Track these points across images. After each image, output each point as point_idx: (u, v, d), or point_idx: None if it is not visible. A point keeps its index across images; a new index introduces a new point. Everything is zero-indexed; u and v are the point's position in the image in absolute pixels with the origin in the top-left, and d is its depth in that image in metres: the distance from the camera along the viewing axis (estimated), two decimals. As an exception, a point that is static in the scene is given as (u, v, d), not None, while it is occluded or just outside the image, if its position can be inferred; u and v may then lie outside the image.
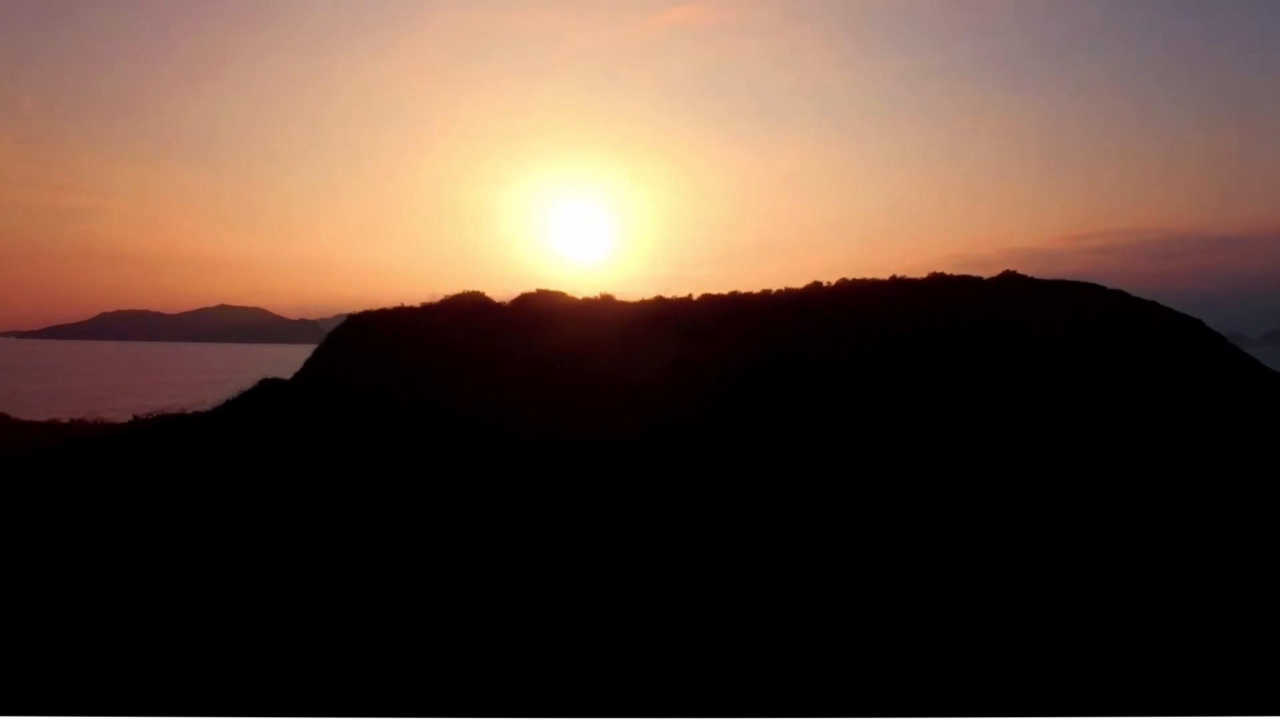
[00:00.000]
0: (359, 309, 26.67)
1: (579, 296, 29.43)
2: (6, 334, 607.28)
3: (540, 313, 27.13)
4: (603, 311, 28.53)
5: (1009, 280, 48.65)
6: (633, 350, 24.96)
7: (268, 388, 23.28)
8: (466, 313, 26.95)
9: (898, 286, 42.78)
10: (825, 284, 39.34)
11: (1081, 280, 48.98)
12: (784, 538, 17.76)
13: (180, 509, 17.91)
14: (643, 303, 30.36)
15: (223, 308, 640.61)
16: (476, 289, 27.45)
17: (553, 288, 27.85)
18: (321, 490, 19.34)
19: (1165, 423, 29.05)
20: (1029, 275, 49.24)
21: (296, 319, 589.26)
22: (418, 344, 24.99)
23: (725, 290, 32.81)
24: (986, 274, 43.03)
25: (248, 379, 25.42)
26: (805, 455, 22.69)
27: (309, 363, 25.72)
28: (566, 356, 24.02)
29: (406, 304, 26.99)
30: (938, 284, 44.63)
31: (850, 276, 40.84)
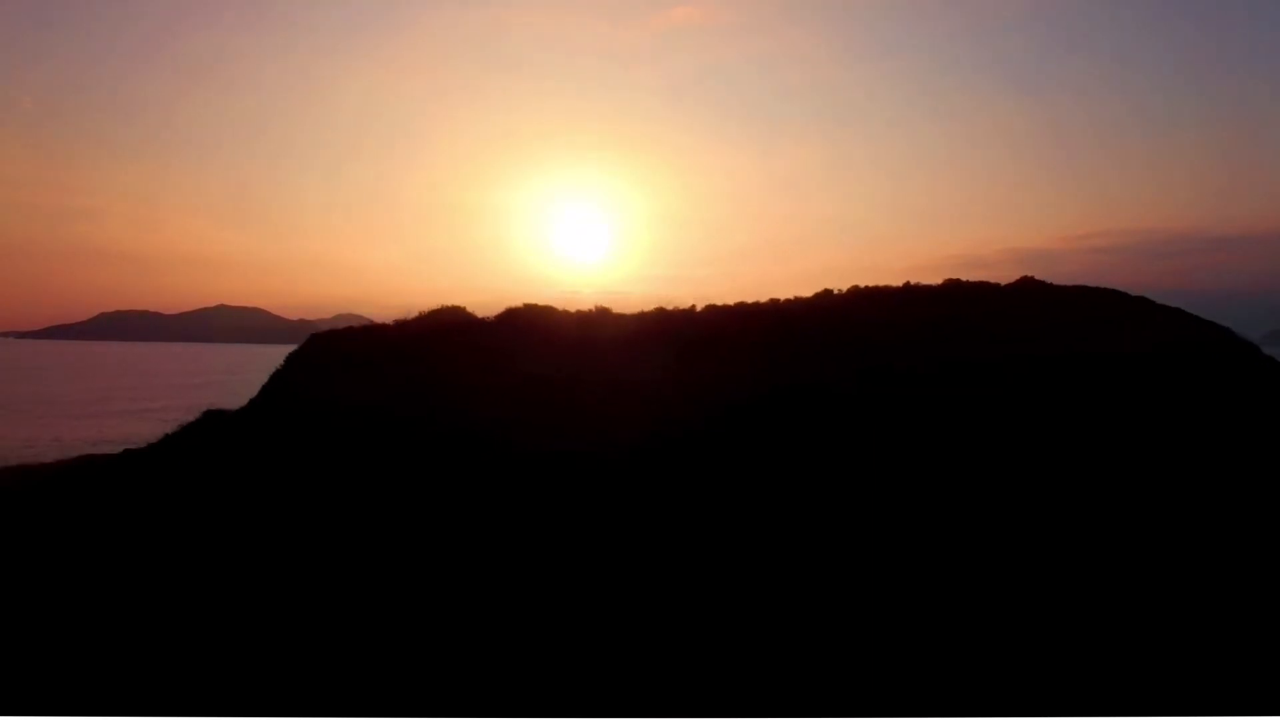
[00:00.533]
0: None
1: (572, 310, 27.11)
2: (5, 334, 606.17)
3: (527, 329, 24.77)
4: (597, 326, 26.17)
5: (1026, 287, 46.60)
6: (630, 371, 22.71)
7: (211, 420, 20.99)
8: (444, 330, 24.62)
9: (911, 294, 40.68)
10: (836, 291, 37.20)
11: (1094, 286, 47.19)
12: (785, 555, 17.37)
13: (102, 565, 15.79)
14: (642, 315, 28.00)
15: (222, 308, 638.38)
16: (459, 302, 25.38)
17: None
18: (275, 530, 17.20)
19: (1204, 437, 27.34)
20: (1047, 281, 47.35)
21: (296, 319, 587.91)
22: (384, 365, 22.77)
23: (729, 294, 30.79)
24: (988, 275, 40.89)
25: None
26: (813, 483, 20.95)
27: (265, 389, 23.52)
28: (554, 382, 21.78)
29: (377, 319, 24.84)
30: (953, 291, 42.51)
31: (862, 284, 38.77)
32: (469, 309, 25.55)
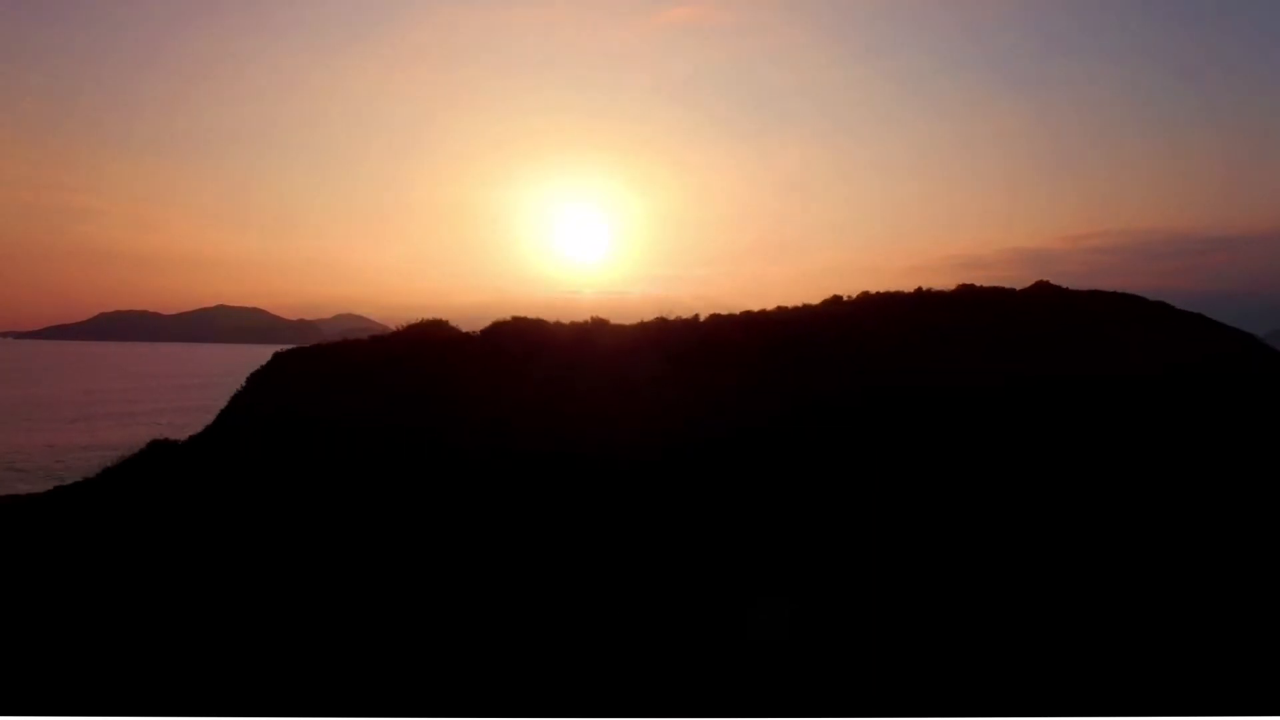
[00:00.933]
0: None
1: (565, 321, 25.25)
2: (5, 334, 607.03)
3: (514, 345, 22.98)
4: (593, 340, 24.32)
5: (1041, 292, 45.11)
6: (627, 393, 21.04)
7: (156, 453, 19.16)
8: (424, 347, 22.85)
9: (923, 300, 39.10)
10: (846, 298, 35.51)
11: (1110, 291, 46.00)
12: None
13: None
14: (642, 325, 26.17)
15: (221, 308, 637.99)
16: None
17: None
18: (241, 572, 15.66)
19: (1232, 447, 26.28)
20: (1062, 286, 46.00)
21: (295, 319, 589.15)
22: (356, 386, 21.09)
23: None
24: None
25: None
26: (820, 504, 19.93)
27: (224, 412, 21.79)
28: (544, 402, 20.15)
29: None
30: (967, 297, 40.96)
31: (864, 285, 37.33)
32: (454, 321, 23.92)
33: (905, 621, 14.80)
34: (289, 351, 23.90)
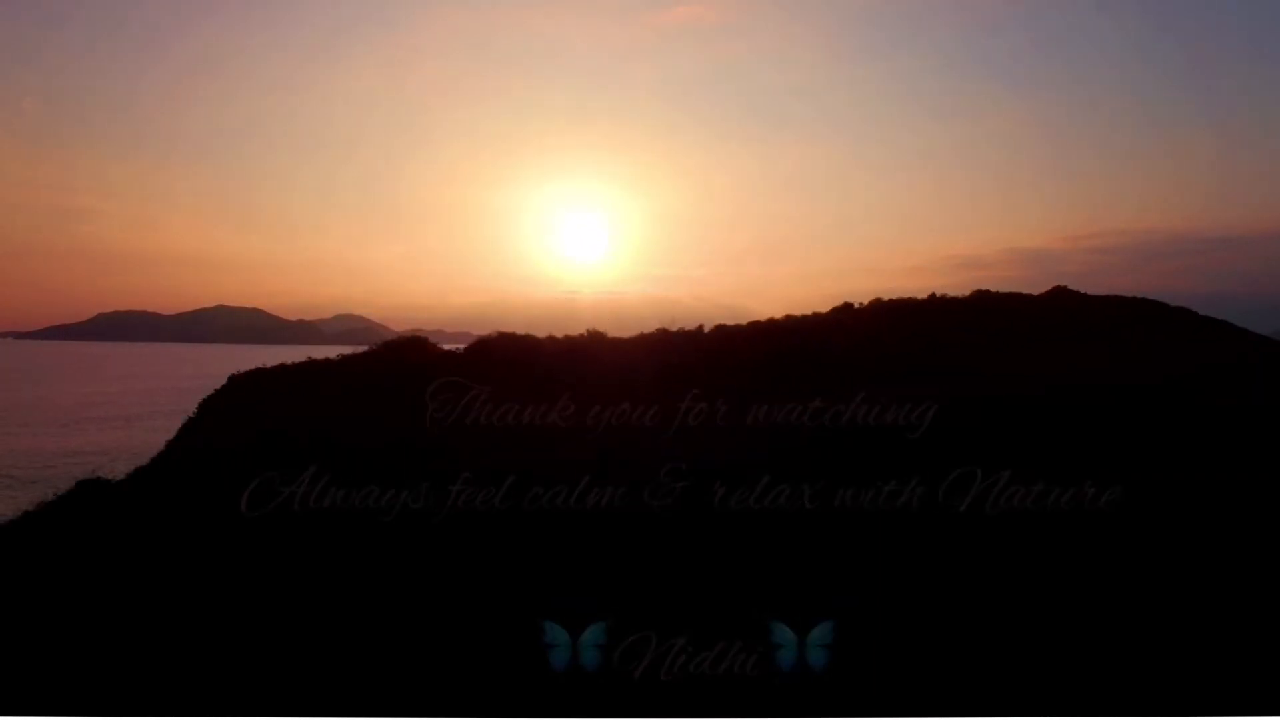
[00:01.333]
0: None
1: (559, 335, 23.44)
2: (5, 334, 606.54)
3: (503, 364, 21.16)
4: (589, 356, 22.48)
5: (1059, 297, 43.81)
6: (623, 418, 19.30)
7: (88, 491, 17.14)
8: (399, 368, 21.05)
9: (937, 306, 37.58)
10: (858, 305, 33.99)
11: (1128, 295, 44.98)
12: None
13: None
14: (642, 338, 24.41)
15: (220, 308, 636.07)
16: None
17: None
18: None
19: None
20: (1079, 291, 44.97)
21: (295, 319, 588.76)
22: (321, 408, 19.34)
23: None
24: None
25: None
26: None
27: (172, 443, 19.98)
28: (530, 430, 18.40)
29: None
30: (982, 303, 39.47)
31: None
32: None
33: (910, 627, 14.33)
34: (248, 373, 22.19)
